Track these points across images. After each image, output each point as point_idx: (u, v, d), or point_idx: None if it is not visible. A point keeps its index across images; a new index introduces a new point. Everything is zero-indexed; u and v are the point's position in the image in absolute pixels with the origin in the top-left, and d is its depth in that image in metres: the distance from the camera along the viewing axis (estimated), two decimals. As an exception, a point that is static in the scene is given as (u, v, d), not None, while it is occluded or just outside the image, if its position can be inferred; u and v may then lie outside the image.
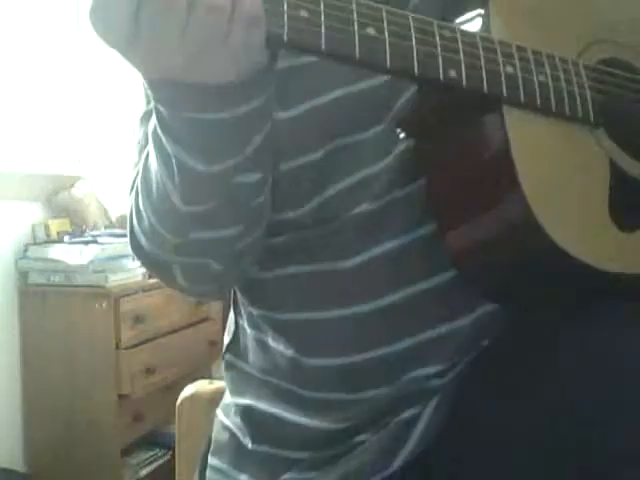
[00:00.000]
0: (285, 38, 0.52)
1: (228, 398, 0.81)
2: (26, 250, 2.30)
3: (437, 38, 0.57)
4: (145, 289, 2.29)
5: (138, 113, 0.74)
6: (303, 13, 0.52)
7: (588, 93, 0.64)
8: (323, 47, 0.53)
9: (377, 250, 0.67)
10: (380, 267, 0.67)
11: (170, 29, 0.49)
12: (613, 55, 0.69)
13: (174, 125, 0.58)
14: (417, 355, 0.67)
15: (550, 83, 0.62)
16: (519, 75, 0.60)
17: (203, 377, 1.13)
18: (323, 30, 0.52)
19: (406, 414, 0.68)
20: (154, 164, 0.63)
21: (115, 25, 0.49)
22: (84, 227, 2.45)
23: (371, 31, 0.54)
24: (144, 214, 0.67)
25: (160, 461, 2.42)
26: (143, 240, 0.69)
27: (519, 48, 0.61)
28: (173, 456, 1.18)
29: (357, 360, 0.68)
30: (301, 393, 0.71)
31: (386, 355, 0.68)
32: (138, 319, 2.25)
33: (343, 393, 0.69)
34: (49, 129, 2.51)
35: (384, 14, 0.55)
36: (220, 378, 0.97)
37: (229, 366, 0.81)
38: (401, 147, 0.67)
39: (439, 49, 0.57)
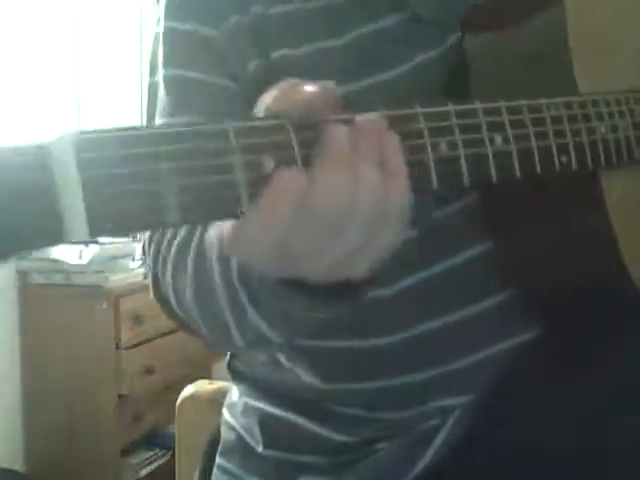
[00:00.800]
0: (435, 186, 0.47)
1: (235, 397, 0.78)
2: (26, 250, 2.30)
3: (548, 122, 0.53)
4: (145, 289, 2.25)
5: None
6: (443, 147, 0.47)
7: None
8: (465, 180, 0.48)
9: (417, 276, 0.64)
10: (412, 299, 0.64)
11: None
12: None
13: (270, 311, 0.53)
14: (440, 385, 0.65)
15: (632, 134, 0.59)
16: (610, 139, 0.57)
17: (203, 377, 1.13)
18: (463, 162, 0.48)
19: (427, 425, 0.66)
20: (217, 297, 0.56)
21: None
22: (84, 227, 2.45)
23: (499, 140, 0.50)
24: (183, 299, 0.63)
25: (160, 461, 2.41)
26: (172, 299, 0.66)
27: (606, 102, 0.58)
28: (173, 456, 1.18)
29: (376, 386, 0.66)
30: (317, 404, 0.69)
31: (407, 384, 0.65)
32: (138, 319, 2.25)
33: (362, 410, 0.68)
34: (49, 129, 2.51)
35: (505, 117, 0.51)
36: (220, 378, 0.97)
37: (237, 373, 0.78)
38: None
39: (552, 137, 0.53)
